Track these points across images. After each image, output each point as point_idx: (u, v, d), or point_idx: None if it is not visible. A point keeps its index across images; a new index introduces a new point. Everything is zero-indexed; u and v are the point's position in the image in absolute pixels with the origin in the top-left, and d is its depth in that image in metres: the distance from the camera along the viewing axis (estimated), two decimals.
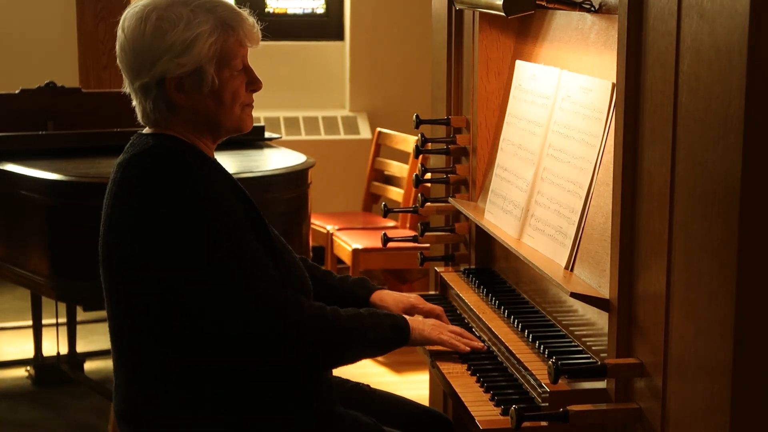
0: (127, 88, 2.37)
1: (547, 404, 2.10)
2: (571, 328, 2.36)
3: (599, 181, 2.24)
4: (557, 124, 2.46)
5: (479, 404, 2.24)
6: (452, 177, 3.03)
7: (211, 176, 2.29)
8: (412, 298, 2.66)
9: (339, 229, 5.50)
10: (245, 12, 2.35)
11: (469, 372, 2.41)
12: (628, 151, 1.98)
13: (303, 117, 6.74)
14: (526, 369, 2.27)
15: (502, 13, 2.43)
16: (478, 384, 2.34)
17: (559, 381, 2.01)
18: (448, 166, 3.08)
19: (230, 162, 4.15)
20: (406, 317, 2.45)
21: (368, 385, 2.65)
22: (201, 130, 2.34)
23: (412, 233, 3.22)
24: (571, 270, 2.29)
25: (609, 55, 2.24)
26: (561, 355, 2.19)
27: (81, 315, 4.92)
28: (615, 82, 2.08)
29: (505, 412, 2.15)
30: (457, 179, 3.03)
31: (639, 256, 1.96)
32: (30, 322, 4.94)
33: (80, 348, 4.93)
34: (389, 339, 2.39)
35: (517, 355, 2.33)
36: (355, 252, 5.16)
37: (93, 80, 6.22)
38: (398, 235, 3.50)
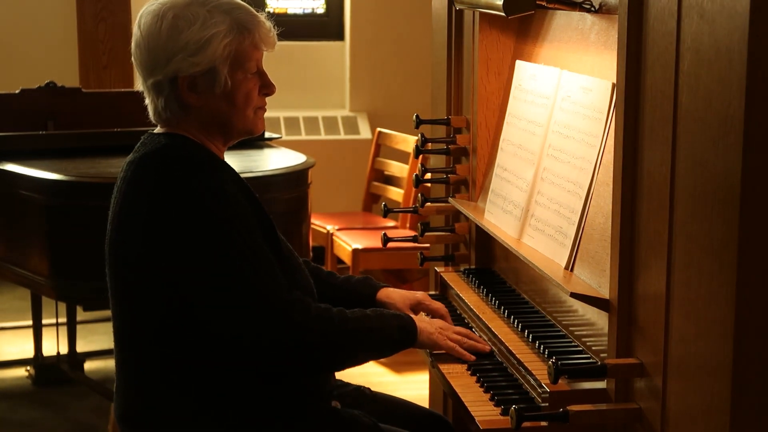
0: (140, 85, 2.36)
1: (547, 404, 2.10)
2: (571, 328, 2.36)
3: (599, 181, 2.24)
4: (557, 124, 2.46)
5: (479, 404, 2.24)
6: (452, 177, 3.03)
7: (222, 178, 2.28)
8: (419, 294, 2.66)
9: (339, 229, 5.50)
10: (262, 15, 2.35)
11: (469, 372, 2.41)
12: (628, 151, 1.98)
13: (303, 117, 6.75)
14: (526, 369, 2.27)
15: (502, 14, 2.43)
16: (478, 384, 2.34)
17: (559, 381, 2.01)
18: (448, 166, 3.08)
19: (230, 162, 4.12)
20: (414, 318, 2.45)
21: (369, 388, 2.65)
22: (212, 131, 2.34)
23: (412, 233, 3.22)
24: (571, 270, 2.29)
25: (609, 55, 2.24)
26: (561, 355, 2.19)
27: (81, 315, 4.92)
28: (615, 82, 2.08)
29: (505, 412, 2.15)
30: (457, 179, 3.03)
31: (639, 256, 1.96)
32: (30, 322, 4.94)
33: (80, 348, 4.93)
34: (397, 340, 2.39)
35: (517, 355, 2.33)
36: (355, 252, 5.16)
37: (93, 80, 6.22)
38: (398, 235, 3.50)
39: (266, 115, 2.44)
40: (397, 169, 5.71)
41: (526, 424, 2.00)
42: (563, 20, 2.57)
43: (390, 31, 6.77)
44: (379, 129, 6.00)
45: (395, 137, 5.81)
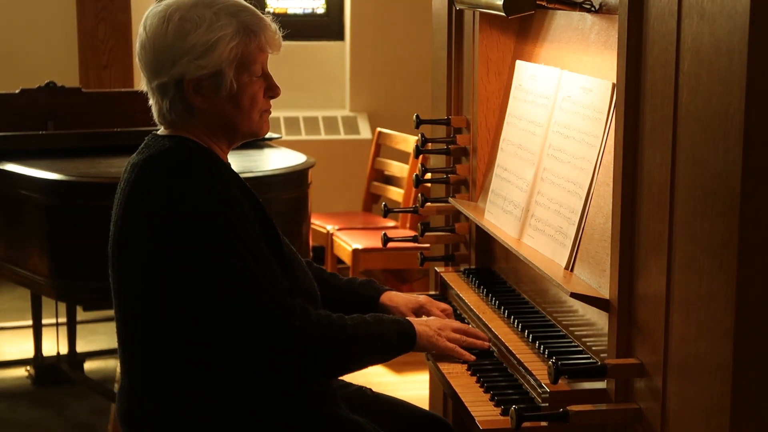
0: (144, 86, 2.35)
1: (547, 404, 2.10)
2: (571, 329, 2.36)
3: (599, 181, 2.24)
4: (557, 124, 2.46)
5: (479, 404, 2.24)
6: (452, 177, 3.03)
7: (226, 181, 2.28)
8: (422, 298, 2.66)
9: (339, 229, 5.50)
10: (268, 18, 2.34)
11: (469, 372, 2.41)
12: (628, 151, 1.98)
13: (303, 117, 6.75)
14: (526, 369, 2.27)
15: (503, 13, 2.43)
16: (478, 384, 2.34)
17: (559, 381, 2.01)
18: (448, 166, 3.08)
19: (231, 161, 4.14)
20: (413, 321, 2.45)
21: (370, 389, 2.65)
22: (217, 133, 2.34)
23: (412, 233, 3.22)
24: (571, 270, 2.29)
25: (609, 55, 2.24)
26: (561, 356, 2.19)
27: (81, 315, 4.93)
28: (615, 82, 2.08)
29: (505, 413, 2.15)
30: (457, 179, 3.03)
31: (639, 256, 1.96)
32: (30, 322, 4.94)
33: (80, 348, 4.93)
34: (396, 346, 2.39)
35: (517, 355, 2.33)
36: (355, 252, 5.16)
37: (93, 80, 6.22)
38: (398, 235, 3.50)
39: None
40: (397, 169, 5.71)
41: (526, 424, 2.00)
42: (563, 20, 2.57)
43: (390, 31, 6.77)
44: (379, 129, 6.00)
45: (395, 137, 5.81)
